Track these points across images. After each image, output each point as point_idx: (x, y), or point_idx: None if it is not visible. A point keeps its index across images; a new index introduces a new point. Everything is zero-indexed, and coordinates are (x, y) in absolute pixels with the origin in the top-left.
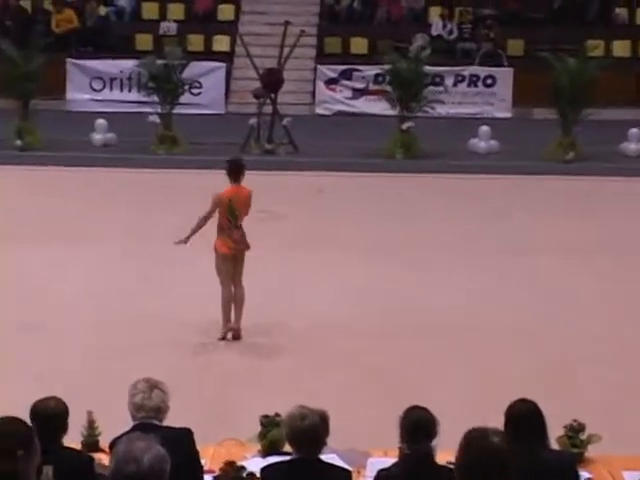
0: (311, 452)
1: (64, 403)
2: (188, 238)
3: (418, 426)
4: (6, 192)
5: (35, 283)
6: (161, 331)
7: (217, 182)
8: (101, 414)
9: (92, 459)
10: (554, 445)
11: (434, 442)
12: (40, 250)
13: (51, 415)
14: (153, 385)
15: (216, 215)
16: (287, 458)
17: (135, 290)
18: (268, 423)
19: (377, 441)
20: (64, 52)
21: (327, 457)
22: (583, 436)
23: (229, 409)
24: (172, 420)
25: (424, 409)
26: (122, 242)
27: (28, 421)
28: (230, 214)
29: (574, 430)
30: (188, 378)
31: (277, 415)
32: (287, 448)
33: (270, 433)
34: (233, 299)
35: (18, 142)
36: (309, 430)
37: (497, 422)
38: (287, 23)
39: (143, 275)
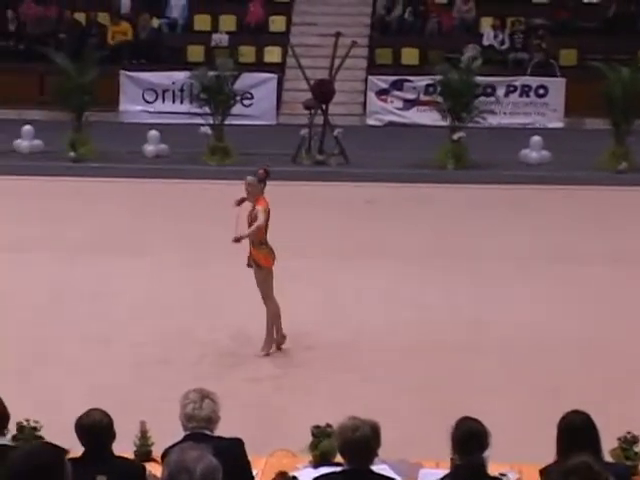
0: (362, 463)
1: (107, 414)
2: (242, 238)
3: (470, 437)
4: (60, 203)
5: (90, 294)
6: (214, 343)
7: (267, 193)
8: (154, 424)
9: (144, 468)
10: (607, 458)
11: (486, 454)
12: (93, 261)
13: (97, 427)
14: (204, 395)
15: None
16: (338, 469)
17: (186, 302)
18: (319, 434)
19: (429, 452)
20: (117, 64)
21: (378, 468)
22: (637, 448)
23: (280, 420)
24: (223, 431)
25: (476, 420)
26: (174, 254)
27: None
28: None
29: (628, 442)
30: (239, 389)
31: (328, 426)
32: (338, 459)
33: (321, 444)
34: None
35: (72, 154)
36: (361, 441)
37: (550, 435)
38: (338, 34)
39: (195, 287)
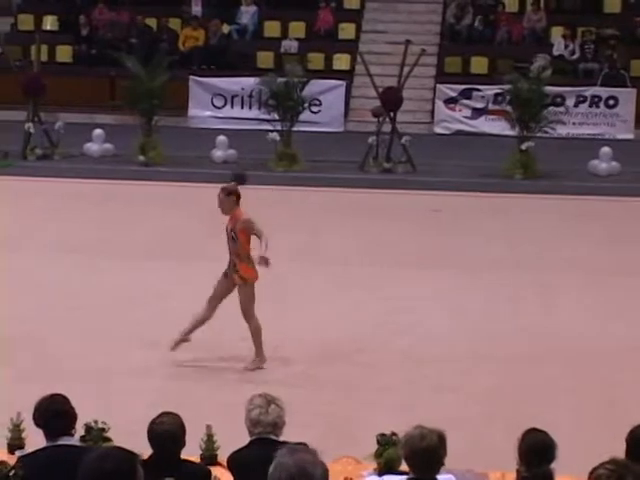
0: (428, 472)
1: (181, 422)
2: (267, 259)
3: (537, 449)
4: (129, 207)
5: (155, 298)
6: (276, 349)
7: (335, 200)
8: (218, 428)
9: (210, 472)
10: None
11: (552, 466)
12: (158, 265)
13: (170, 434)
14: (270, 400)
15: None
16: (404, 478)
17: (266, 307)
18: (385, 442)
19: (494, 463)
20: (187, 69)
21: (444, 478)
22: None
23: (345, 427)
24: (288, 436)
25: (543, 432)
26: None
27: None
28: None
29: None
30: (304, 395)
31: (394, 434)
32: (403, 467)
33: (386, 452)
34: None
35: (141, 158)
36: (428, 450)
37: (617, 447)
38: (408, 42)
39: (267, 291)
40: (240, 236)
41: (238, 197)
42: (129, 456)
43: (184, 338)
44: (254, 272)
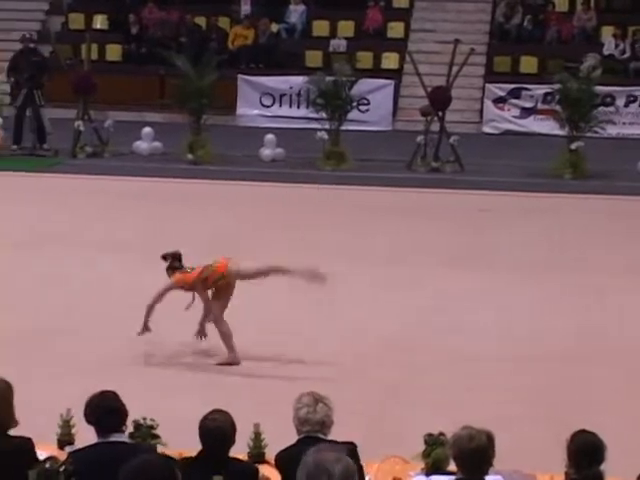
0: (477, 473)
1: (232, 420)
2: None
3: (587, 450)
4: (177, 205)
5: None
6: (327, 347)
7: (383, 199)
8: (265, 426)
9: (257, 470)
10: None
11: (602, 467)
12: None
13: (220, 432)
14: (317, 399)
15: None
16: (451, 478)
17: (312, 307)
18: (432, 442)
19: (542, 464)
20: (235, 68)
21: (492, 479)
22: None
23: (392, 426)
24: (336, 435)
25: (592, 433)
26: (284, 258)
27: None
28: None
29: None
30: (351, 393)
31: (441, 434)
32: (450, 467)
33: (434, 452)
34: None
35: (190, 156)
36: (477, 451)
37: None
38: (457, 41)
39: (316, 291)
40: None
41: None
42: (167, 464)
43: (233, 361)
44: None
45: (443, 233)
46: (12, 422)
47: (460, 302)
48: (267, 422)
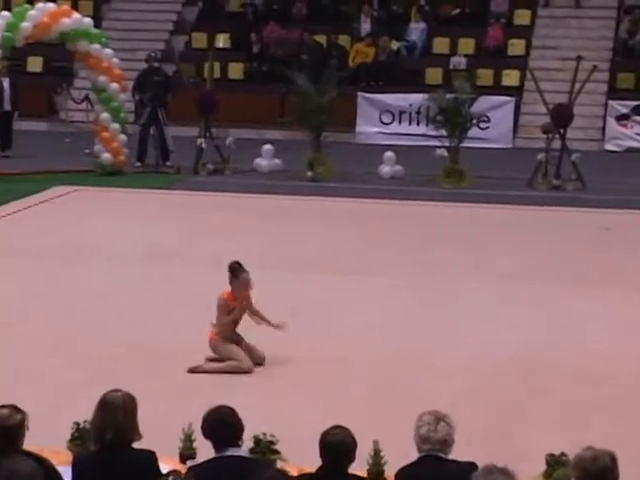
0: None
1: (353, 437)
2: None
3: None
4: (297, 221)
5: (322, 313)
6: (450, 364)
7: (503, 216)
8: (386, 444)
9: None
10: None
11: None
12: (324, 279)
13: (342, 447)
14: (439, 418)
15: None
16: None
17: (411, 324)
18: (554, 462)
19: None
20: (355, 86)
21: None
22: None
23: (514, 446)
24: (457, 454)
25: None
26: (404, 275)
27: None
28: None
29: None
30: (474, 412)
31: (563, 454)
32: None
33: (556, 472)
34: None
35: (309, 173)
36: (602, 472)
37: None
38: (579, 58)
39: (424, 309)
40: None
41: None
42: None
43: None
44: None
45: (566, 251)
46: (136, 435)
47: (586, 321)
48: (387, 439)
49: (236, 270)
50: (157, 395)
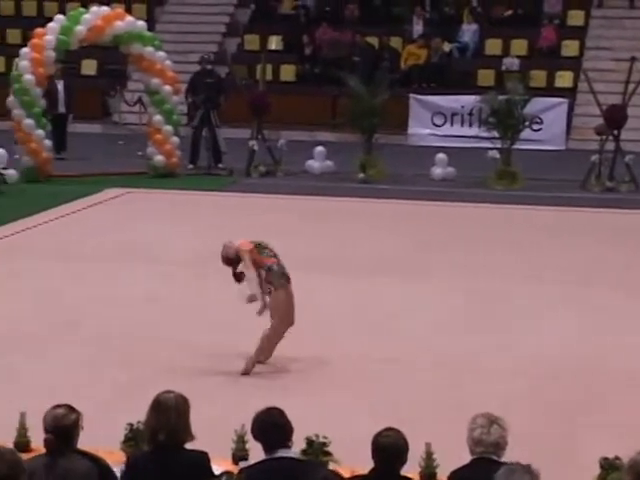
0: None
1: (405, 439)
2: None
3: None
4: (349, 224)
5: (377, 316)
6: (502, 366)
7: (556, 219)
8: (438, 446)
9: None
10: None
11: None
12: (377, 282)
13: (394, 449)
14: (492, 420)
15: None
16: None
17: (463, 327)
18: (608, 466)
19: None
20: (407, 87)
21: None
22: None
23: (568, 449)
24: (511, 456)
25: None
26: (458, 279)
27: None
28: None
29: None
30: (525, 414)
31: (617, 458)
32: None
33: (610, 476)
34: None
35: (361, 175)
36: None
37: None
38: (633, 59)
39: (476, 312)
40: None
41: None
42: None
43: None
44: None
45: (619, 254)
46: (189, 436)
47: (636, 322)
48: (439, 442)
49: None
50: (210, 396)
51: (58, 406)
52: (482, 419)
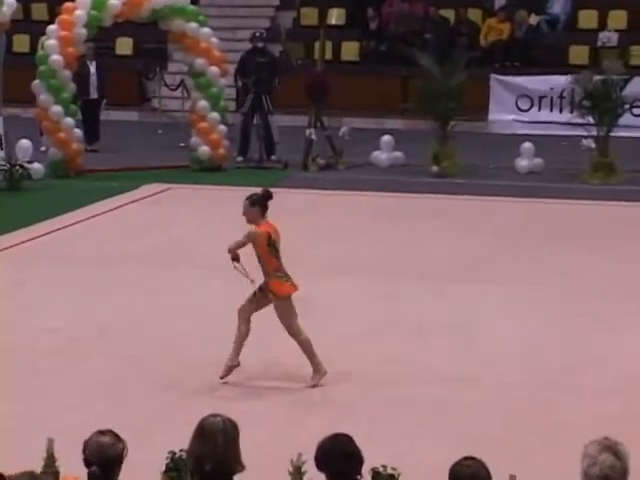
0: None
1: (485, 465)
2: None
3: None
4: (421, 223)
5: (449, 326)
6: (585, 382)
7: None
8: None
9: None
10: None
11: None
12: (450, 288)
13: (475, 476)
14: (604, 447)
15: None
16: None
17: (552, 339)
18: None
19: None
20: (488, 67)
21: None
22: None
23: None
24: None
25: None
26: (545, 283)
27: None
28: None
29: None
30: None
31: None
32: None
33: None
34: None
35: (434, 168)
36: None
37: None
38: None
39: (566, 322)
40: (257, 250)
41: (264, 209)
42: None
43: (232, 365)
44: (286, 287)
45: None
46: (238, 465)
47: None
48: (525, 473)
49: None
50: (261, 420)
51: (102, 433)
52: (592, 446)
